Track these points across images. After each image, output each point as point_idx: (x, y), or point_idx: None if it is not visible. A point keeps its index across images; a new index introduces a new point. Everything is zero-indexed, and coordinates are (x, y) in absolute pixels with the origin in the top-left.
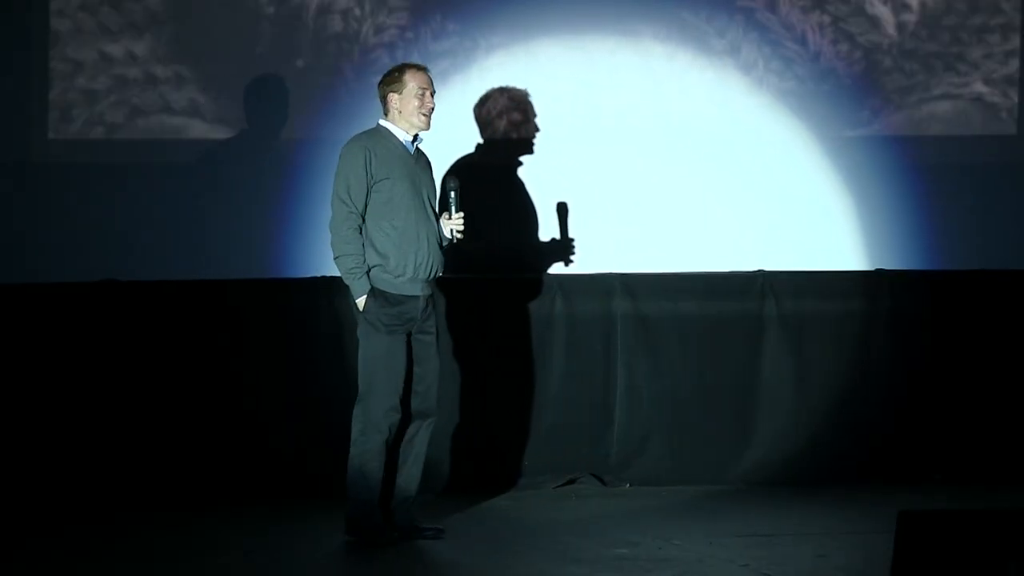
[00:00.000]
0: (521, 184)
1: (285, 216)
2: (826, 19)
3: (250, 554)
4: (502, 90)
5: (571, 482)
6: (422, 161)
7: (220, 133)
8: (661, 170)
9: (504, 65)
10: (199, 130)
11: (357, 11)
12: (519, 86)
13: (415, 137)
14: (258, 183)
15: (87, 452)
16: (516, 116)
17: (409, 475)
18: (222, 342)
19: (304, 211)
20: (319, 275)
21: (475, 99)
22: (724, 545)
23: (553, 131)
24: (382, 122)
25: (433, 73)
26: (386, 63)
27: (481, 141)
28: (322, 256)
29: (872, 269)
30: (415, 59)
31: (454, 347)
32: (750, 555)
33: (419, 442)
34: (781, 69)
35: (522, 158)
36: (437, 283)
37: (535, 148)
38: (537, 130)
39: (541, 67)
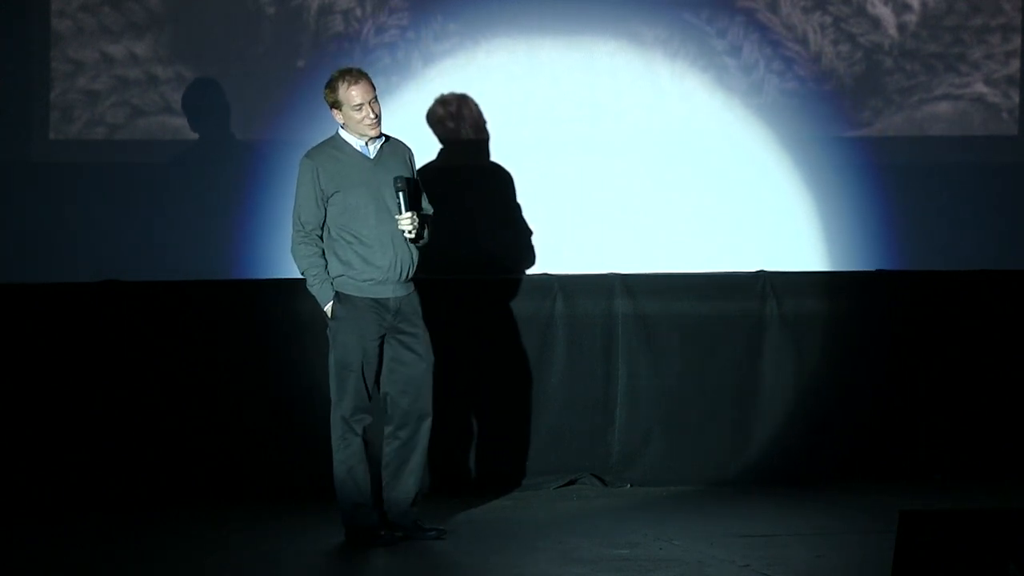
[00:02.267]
0: (517, 184)
1: (286, 216)
2: (827, 20)
3: (249, 555)
4: (501, 91)
5: (572, 482)
6: (388, 160)
7: (221, 134)
8: (662, 170)
9: (505, 66)
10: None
11: (358, 11)
12: (519, 87)
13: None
14: (259, 183)
15: (87, 451)
16: (516, 117)
17: (409, 476)
18: (224, 342)
19: None
20: None
21: (476, 99)
22: (724, 545)
23: (554, 131)
24: (340, 130)
25: (434, 73)
26: (387, 63)
27: (480, 142)
28: None
29: (873, 269)
30: (415, 61)
31: (454, 348)
32: (750, 555)
33: (418, 443)
34: (782, 70)
35: (523, 159)
36: (439, 285)
37: (536, 149)
38: (537, 131)
39: (542, 68)
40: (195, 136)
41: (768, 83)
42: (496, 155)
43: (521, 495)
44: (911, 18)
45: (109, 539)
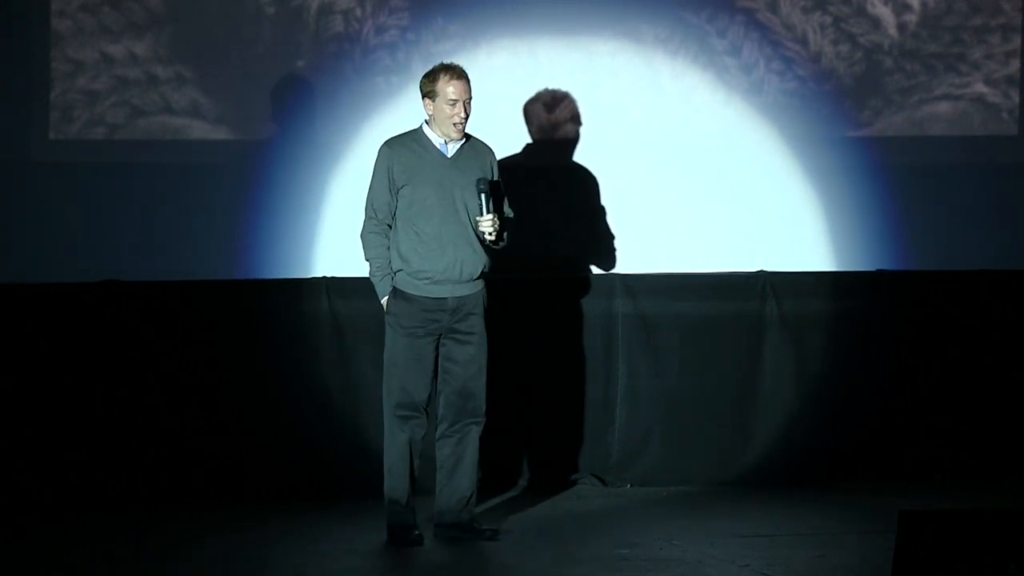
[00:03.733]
0: (521, 185)
1: (286, 216)
2: (827, 20)
3: (248, 555)
4: (501, 91)
5: (572, 483)
6: (466, 162)
7: (221, 134)
8: (662, 170)
9: (506, 66)
10: (200, 131)
11: (358, 11)
12: (520, 87)
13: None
14: (259, 183)
15: (87, 451)
16: (517, 117)
17: (463, 476)
18: (224, 342)
19: (305, 211)
20: (322, 275)
21: (476, 99)
22: (724, 545)
23: (554, 132)
24: (424, 124)
25: None
26: (388, 64)
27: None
28: (323, 256)
29: (873, 269)
30: (415, 61)
31: None
32: (750, 555)
33: (470, 442)
34: (782, 69)
35: (522, 159)
36: None
37: (536, 149)
38: (539, 131)
39: (542, 68)
40: (195, 136)
41: (768, 83)
42: (497, 155)
43: (521, 495)
44: (911, 18)
45: (109, 539)
